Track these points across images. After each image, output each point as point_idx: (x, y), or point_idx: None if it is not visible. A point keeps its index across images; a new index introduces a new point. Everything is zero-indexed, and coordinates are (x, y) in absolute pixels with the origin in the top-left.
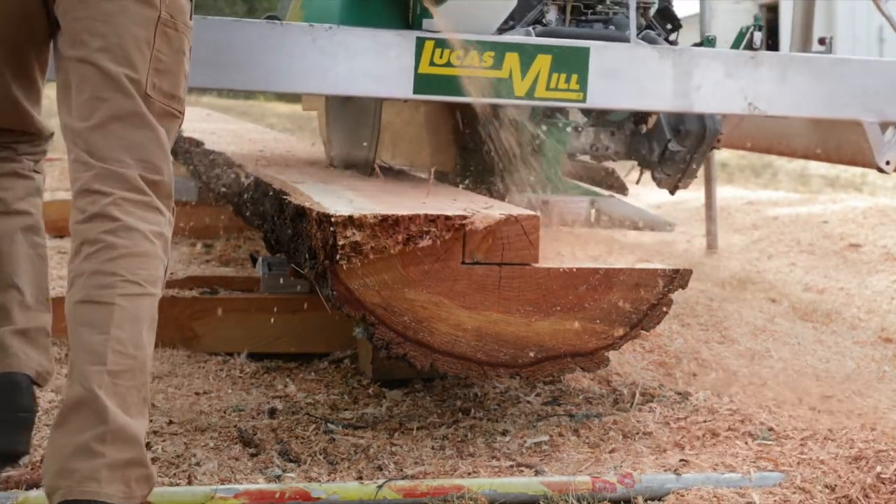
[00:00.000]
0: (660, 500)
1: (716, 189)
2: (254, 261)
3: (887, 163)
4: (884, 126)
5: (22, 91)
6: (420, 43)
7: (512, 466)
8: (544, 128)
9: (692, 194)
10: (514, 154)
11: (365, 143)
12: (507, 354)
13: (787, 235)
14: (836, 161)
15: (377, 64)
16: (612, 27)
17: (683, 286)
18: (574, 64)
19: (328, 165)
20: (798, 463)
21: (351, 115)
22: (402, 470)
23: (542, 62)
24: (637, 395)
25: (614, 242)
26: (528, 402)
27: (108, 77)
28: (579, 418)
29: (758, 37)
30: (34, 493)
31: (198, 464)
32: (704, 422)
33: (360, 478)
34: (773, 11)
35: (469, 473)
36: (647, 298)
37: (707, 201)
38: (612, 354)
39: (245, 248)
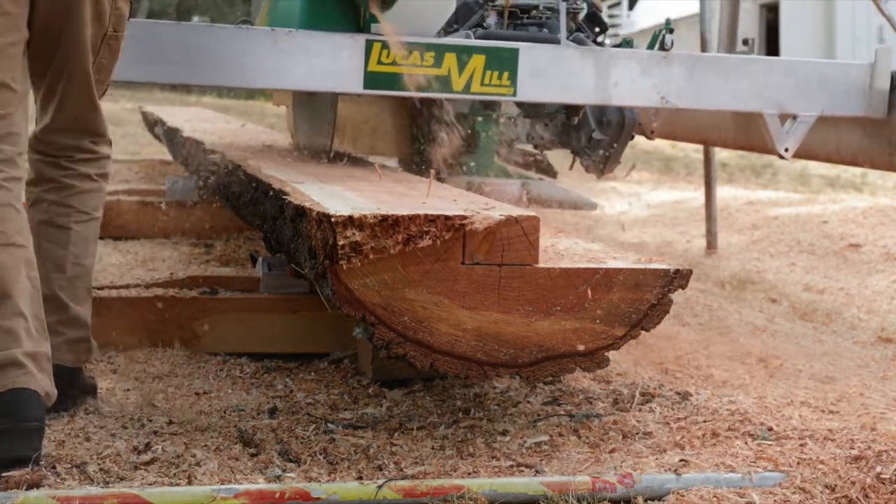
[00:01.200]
0: (660, 500)
1: (716, 189)
2: (254, 261)
3: (786, 150)
4: (783, 118)
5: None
6: (369, 45)
7: (512, 466)
8: (480, 119)
9: (692, 194)
10: (455, 142)
11: (324, 133)
12: (507, 354)
13: (787, 235)
14: (747, 149)
15: (331, 63)
16: (545, 30)
17: (683, 286)
18: (505, 62)
19: (294, 151)
20: (798, 463)
21: (312, 108)
22: (402, 470)
23: (477, 61)
24: (637, 395)
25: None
26: (528, 402)
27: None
28: (579, 418)
29: (669, 39)
30: (34, 493)
31: (198, 464)
32: (704, 422)
33: (360, 478)
34: (773, 11)
35: (469, 473)
36: (647, 298)
37: (707, 201)
38: (612, 354)
39: (245, 248)
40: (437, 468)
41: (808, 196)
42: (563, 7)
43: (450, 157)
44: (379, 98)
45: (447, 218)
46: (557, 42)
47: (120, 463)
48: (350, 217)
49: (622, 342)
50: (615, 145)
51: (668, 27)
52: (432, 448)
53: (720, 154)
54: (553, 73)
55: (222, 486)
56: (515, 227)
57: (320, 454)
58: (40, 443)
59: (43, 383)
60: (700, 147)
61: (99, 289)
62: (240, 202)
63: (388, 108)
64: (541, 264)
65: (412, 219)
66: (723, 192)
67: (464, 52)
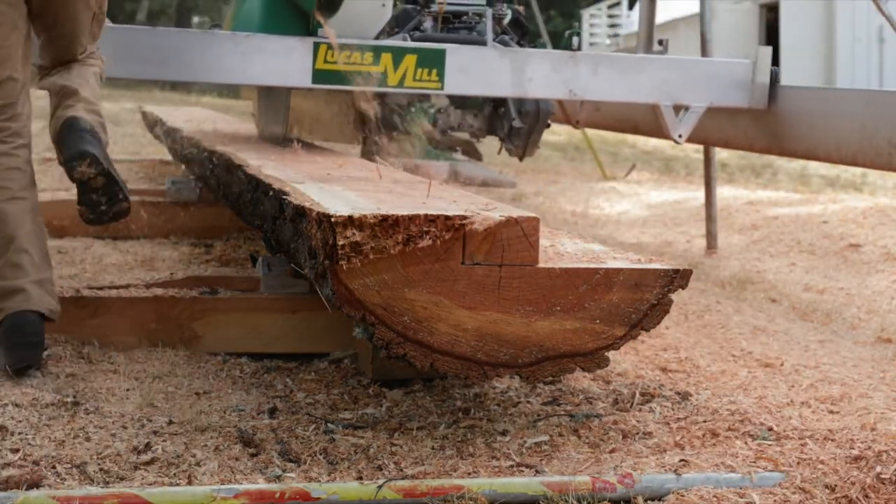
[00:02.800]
0: (660, 500)
1: (716, 189)
2: (254, 261)
3: (680, 136)
4: (677, 108)
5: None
6: (316, 46)
7: (512, 466)
8: (414, 110)
9: (692, 194)
10: (393, 130)
11: (280, 123)
12: (507, 354)
13: (787, 235)
14: (651, 135)
15: (284, 62)
16: (475, 33)
17: (683, 286)
18: (434, 61)
19: (258, 139)
20: (798, 463)
21: (270, 102)
22: (402, 470)
23: (410, 60)
24: (637, 395)
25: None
26: (528, 402)
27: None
28: (579, 418)
29: (576, 40)
30: (34, 493)
31: (198, 464)
32: (704, 422)
33: (360, 478)
34: (773, 11)
35: (469, 473)
36: (647, 298)
37: (707, 201)
38: (612, 354)
39: (245, 248)
40: (437, 468)
41: (808, 196)
42: (489, 13)
43: (390, 142)
44: (331, 94)
45: (447, 218)
46: (484, 44)
47: (120, 463)
48: (350, 217)
49: (622, 342)
50: (533, 133)
51: (576, 31)
52: (432, 448)
53: (720, 154)
54: (476, 70)
55: (222, 486)
56: (515, 227)
57: (320, 454)
58: (41, 353)
59: (45, 302)
60: (700, 147)
61: (99, 289)
62: (240, 202)
63: (339, 101)
64: (541, 264)
65: (412, 219)
66: (723, 192)
67: (398, 52)
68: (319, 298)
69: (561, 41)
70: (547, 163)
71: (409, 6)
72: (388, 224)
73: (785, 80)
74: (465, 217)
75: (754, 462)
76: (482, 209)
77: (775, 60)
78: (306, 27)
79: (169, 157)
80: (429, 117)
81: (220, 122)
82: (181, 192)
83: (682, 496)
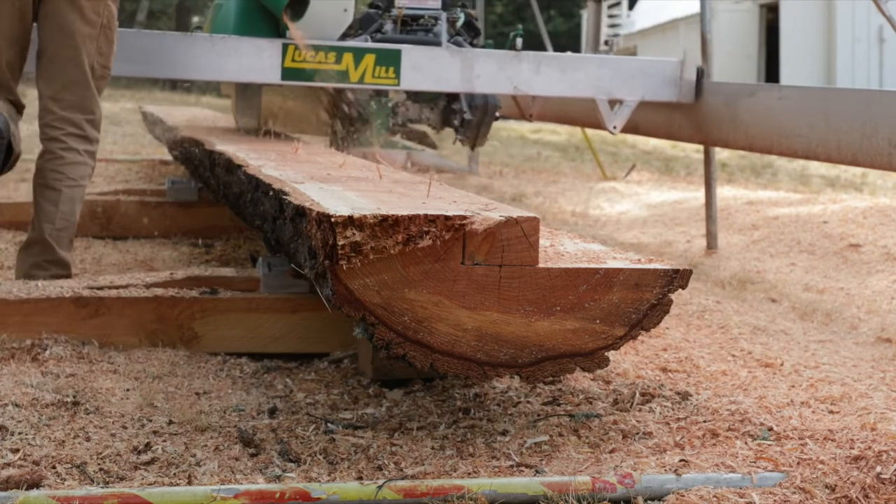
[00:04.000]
0: (660, 500)
1: (716, 189)
2: (254, 261)
3: (615, 127)
4: (612, 102)
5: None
6: (285, 47)
7: (512, 466)
8: (374, 105)
9: (692, 194)
10: (357, 122)
11: (254, 116)
12: (507, 354)
13: (787, 235)
14: (592, 126)
15: (256, 61)
16: (431, 35)
17: (683, 286)
18: (391, 60)
19: (237, 131)
20: (798, 463)
21: (246, 97)
22: (402, 470)
23: (369, 59)
24: (637, 395)
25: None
26: (528, 402)
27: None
28: (579, 418)
29: (519, 41)
30: (34, 493)
31: (198, 464)
32: (704, 422)
33: (360, 478)
34: (773, 11)
35: (469, 473)
36: (647, 298)
37: (707, 201)
38: (612, 354)
39: (245, 248)
40: (437, 468)
41: (808, 196)
42: (443, 17)
43: (353, 133)
44: (302, 90)
45: (447, 218)
46: (439, 44)
47: (120, 463)
48: (350, 217)
49: (622, 342)
50: (482, 125)
51: (519, 33)
52: (432, 448)
53: (720, 154)
54: (429, 68)
55: (222, 486)
56: (515, 227)
57: (320, 454)
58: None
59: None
60: (700, 147)
61: (99, 289)
62: (240, 202)
63: (310, 97)
64: (541, 264)
65: (412, 219)
66: (723, 192)
67: (358, 52)
68: (319, 298)
69: (506, 42)
70: (547, 163)
71: (372, 10)
72: (388, 224)
73: (785, 80)
74: (464, 217)
75: (754, 462)
76: (482, 209)
77: (775, 60)
78: (276, 30)
79: (169, 157)
80: (387, 111)
81: (200, 117)
82: (181, 192)
83: (682, 496)
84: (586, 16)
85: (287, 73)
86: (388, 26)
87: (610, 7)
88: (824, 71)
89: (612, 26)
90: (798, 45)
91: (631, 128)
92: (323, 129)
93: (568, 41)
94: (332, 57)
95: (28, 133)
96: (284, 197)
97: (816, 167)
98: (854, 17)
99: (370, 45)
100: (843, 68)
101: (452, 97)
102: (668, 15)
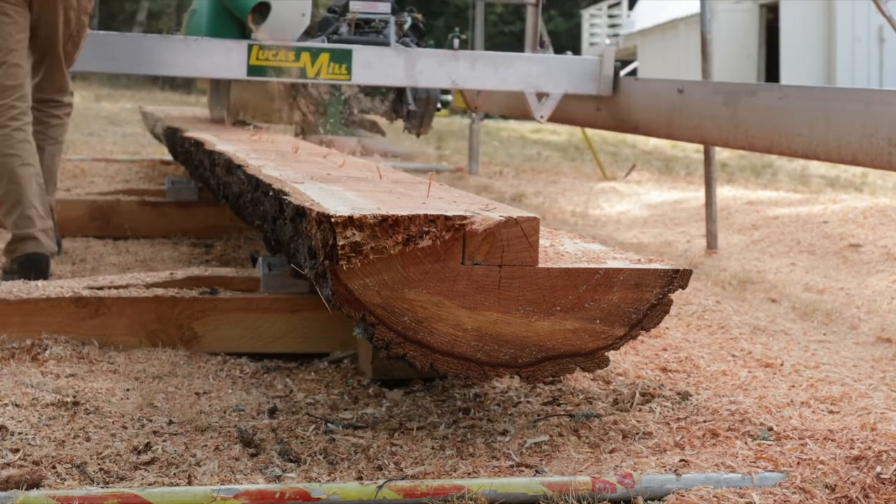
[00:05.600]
0: (660, 500)
1: (716, 189)
2: (254, 261)
3: (542, 116)
4: (540, 95)
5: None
6: (250, 47)
7: (512, 466)
8: (327, 97)
9: (692, 194)
10: (314, 113)
11: (224, 108)
12: (507, 354)
13: (787, 235)
14: (521, 117)
15: (225, 59)
16: (382, 36)
17: (683, 286)
18: (343, 58)
19: (209, 121)
20: (798, 463)
21: (218, 91)
22: (402, 470)
23: (324, 57)
24: (637, 395)
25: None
26: (528, 402)
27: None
28: (579, 418)
29: (456, 42)
30: (34, 493)
31: (198, 464)
32: (704, 422)
33: (360, 478)
34: (773, 11)
35: (469, 473)
36: (647, 298)
37: (707, 201)
38: (612, 354)
39: (245, 248)
40: (437, 468)
41: (808, 196)
42: (392, 20)
43: (312, 122)
44: (269, 85)
45: (447, 218)
46: (388, 45)
47: (120, 463)
48: (350, 217)
49: (622, 342)
50: (425, 115)
51: (456, 35)
52: (432, 448)
53: (720, 154)
54: (377, 65)
55: (222, 486)
56: (515, 227)
57: (320, 454)
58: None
59: (49, 247)
60: (700, 147)
61: (99, 289)
62: (240, 202)
63: (275, 91)
64: (541, 264)
65: (412, 219)
66: (723, 192)
67: (314, 51)
68: (319, 298)
69: (446, 42)
70: (547, 163)
71: (330, 14)
72: (388, 224)
73: (785, 79)
74: (464, 217)
75: (754, 462)
76: (482, 209)
77: (776, 60)
78: (242, 33)
79: (169, 157)
80: (340, 103)
81: (188, 112)
82: (181, 192)
83: (682, 496)
84: (584, 16)
85: (252, 70)
86: (344, 28)
87: (610, 7)
88: (824, 71)
89: (612, 26)
90: (798, 45)
91: (559, 117)
92: (286, 119)
93: (568, 41)
94: (292, 55)
95: None
96: (284, 197)
97: (816, 167)
98: (854, 17)
99: (325, 45)
100: (843, 68)
101: (400, 91)
102: (668, 15)
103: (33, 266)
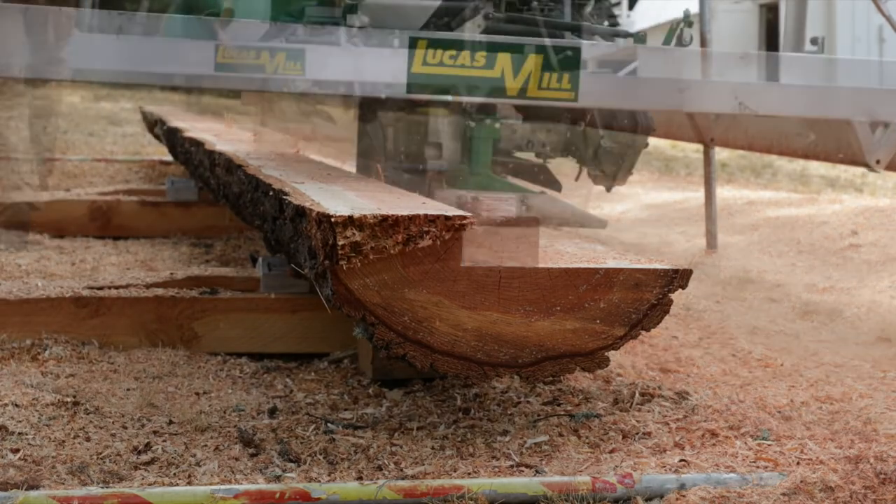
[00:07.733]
0: (660, 499)
1: (716, 189)
2: (254, 261)
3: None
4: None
5: None
6: (216, 47)
7: (512, 466)
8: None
9: (692, 194)
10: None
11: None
12: (507, 354)
13: (787, 235)
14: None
15: (198, 58)
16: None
17: (683, 286)
18: (297, 57)
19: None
20: (798, 463)
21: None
22: (402, 470)
23: (281, 56)
24: (637, 395)
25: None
26: (528, 402)
27: None
28: (579, 418)
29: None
30: (34, 493)
31: (198, 464)
32: (704, 422)
33: (360, 478)
34: (773, 11)
35: (469, 473)
36: (647, 298)
37: (707, 201)
38: (612, 354)
39: (245, 248)
40: (437, 468)
41: (808, 196)
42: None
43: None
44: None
45: (447, 218)
46: (337, 44)
47: (120, 463)
48: (350, 217)
49: (622, 342)
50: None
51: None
52: (432, 448)
53: (720, 154)
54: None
55: (222, 486)
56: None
57: (320, 454)
58: None
59: None
60: (700, 147)
61: (99, 289)
62: (240, 202)
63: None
64: (541, 264)
65: (412, 219)
66: (723, 192)
67: (272, 50)
68: (319, 298)
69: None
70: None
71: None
72: (388, 224)
73: (784, 79)
74: (465, 217)
75: (754, 462)
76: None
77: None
78: (212, 35)
79: (169, 158)
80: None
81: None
82: (181, 192)
83: (682, 496)
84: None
85: (219, 68)
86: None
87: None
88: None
89: (612, 26)
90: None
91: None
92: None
93: None
94: (255, 53)
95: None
96: (284, 197)
97: (816, 167)
98: (854, 17)
99: (282, 45)
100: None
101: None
102: (668, 15)
103: None
